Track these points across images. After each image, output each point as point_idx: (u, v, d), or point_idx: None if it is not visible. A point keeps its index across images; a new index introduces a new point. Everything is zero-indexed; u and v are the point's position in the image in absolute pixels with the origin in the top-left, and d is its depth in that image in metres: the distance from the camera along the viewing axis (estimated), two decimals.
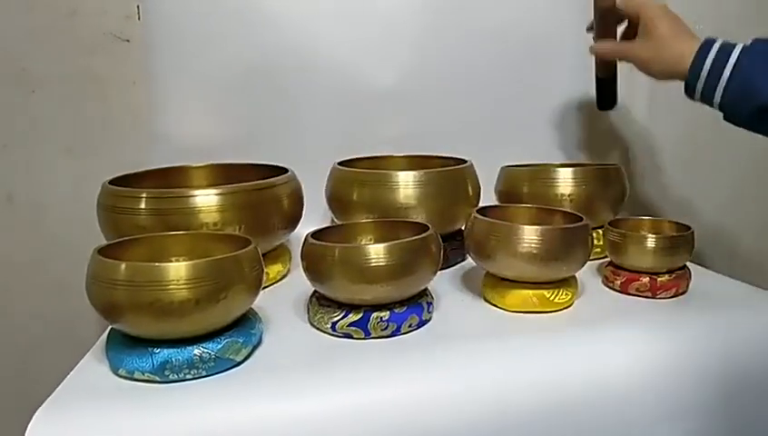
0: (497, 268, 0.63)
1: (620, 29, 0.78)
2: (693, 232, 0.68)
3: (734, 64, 0.61)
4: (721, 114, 0.65)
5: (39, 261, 0.91)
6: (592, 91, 0.87)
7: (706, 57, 0.64)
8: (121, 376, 0.50)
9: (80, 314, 0.83)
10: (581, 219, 0.64)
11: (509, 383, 0.52)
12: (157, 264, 0.47)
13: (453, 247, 0.79)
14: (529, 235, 0.59)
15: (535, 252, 0.59)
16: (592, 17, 0.79)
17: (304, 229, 0.67)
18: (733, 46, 0.63)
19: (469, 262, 0.80)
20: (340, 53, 0.89)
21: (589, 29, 0.81)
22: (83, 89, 0.85)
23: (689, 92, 0.67)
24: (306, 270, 0.58)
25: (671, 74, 0.68)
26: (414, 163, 0.88)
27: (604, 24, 0.77)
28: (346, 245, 0.58)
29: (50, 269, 0.91)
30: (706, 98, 0.65)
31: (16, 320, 0.92)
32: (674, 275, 0.67)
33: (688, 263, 0.70)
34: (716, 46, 0.64)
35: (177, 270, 0.47)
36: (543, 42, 0.78)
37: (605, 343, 0.57)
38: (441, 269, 0.62)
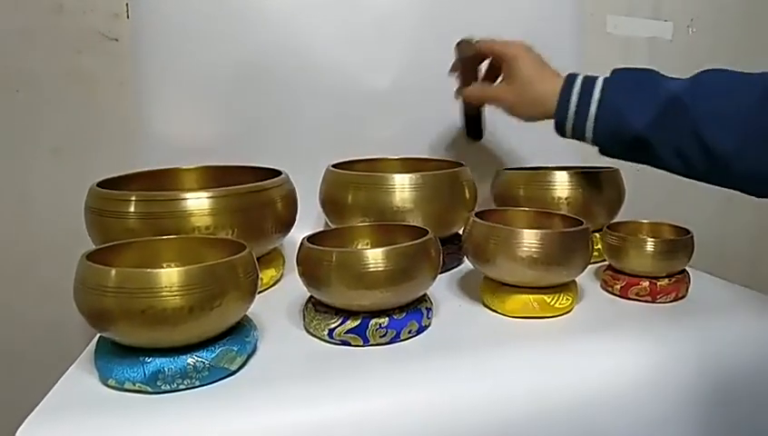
0: (496, 272, 0.62)
1: (483, 66, 0.79)
2: (692, 236, 0.68)
3: (599, 99, 0.62)
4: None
5: (24, 265, 0.88)
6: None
7: (570, 95, 0.64)
8: (110, 386, 0.48)
9: (66, 321, 0.81)
10: (581, 223, 0.63)
11: (511, 390, 0.51)
12: (149, 270, 0.45)
13: (449, 251, 0.78)
14: (529, 239, 0.58)
15: (535, 256, 0.58)
16: (456, 58, 0.80)
17: (297, 233, 0.66)
18: (595, 80, 0.63)
19: (466, 266, 0.79)
20: (334, 53, 0.88)
21: (452, 71, 0.81)
22: (70, 89, 0.83)
23: (560, 130, 0.67)
24: (302, 275, 0.57)
25: (538, 115, 0.69)
26: (409, 165, 0.86)
27: (468, 68, 0.79)
28: (344, 250, 0.56)
29: (35, 273, 0.88)
30: (578, 135, 0.65)
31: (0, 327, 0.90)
32: (673, 279, 0.67)
33: (687, 267, 0.70)
34: (578, 82, 0.64)
35: (169, 276, 0.45)
36: (537, 44, 0.77)
37: (608, 349, 0.56)
38: (438, 274, 0.60)
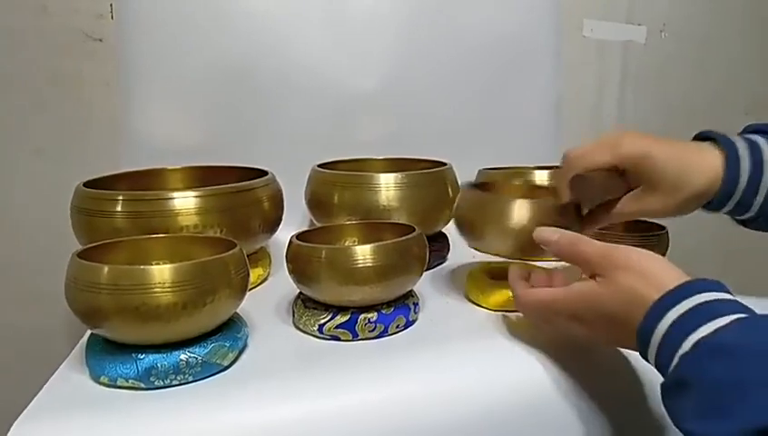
0: (486, 244, 0.62)
1: None
2: (667, 233, 0.70)
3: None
4: None
5: (7, 267, 0.87)
6: (567, 93, 0.88)
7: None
8: (102, 384, 0.48)
9: (52, 323, 0.80)
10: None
11: (496, 381, 0.53)
12: (142, 267, 0.45)
13: (434, 249, 0.79)
14: (520, 209, 0.57)
15: (526, 224, 0.57)
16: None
17: (283, 233, 0.67)
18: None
19: (450, 264, 0.81)
20: (320, 55, 0.89)
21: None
22: (54, 89, 0.82)
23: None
24: (292, 272, 0.58)
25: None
26: (394, 165, 0.88)
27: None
28: (333, 247, 0.57)
29: (19, 275, 0.87)
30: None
31: None
32: None
33: None
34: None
35: (162, 273, 0.45)
36: (520, 46, 0.80)
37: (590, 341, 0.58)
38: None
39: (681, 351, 0.37)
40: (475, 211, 0.62)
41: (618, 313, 0.44)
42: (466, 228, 0.64)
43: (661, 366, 0.40)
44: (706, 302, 0.39)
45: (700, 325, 0.37)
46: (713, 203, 0.54)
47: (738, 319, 0.37)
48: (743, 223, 0.58)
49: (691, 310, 0.39)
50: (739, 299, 0.40)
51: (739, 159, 0.52)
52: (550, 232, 0.52)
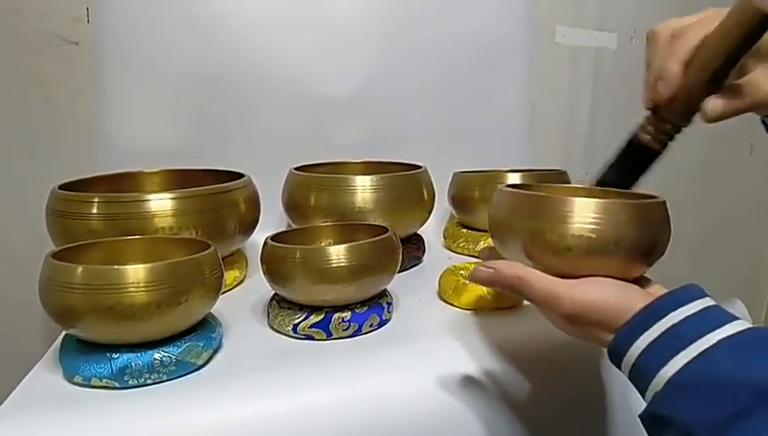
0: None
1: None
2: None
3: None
4: None
5: None
6: (540, 98, 0.90)
7: None
8: (76, 383, 0.48)
9: (27, 325, 0.79)
10: None
11: (466, 377, 0.54)
12: (116, 267, 0.46)
13: (409, 250, 0.80)
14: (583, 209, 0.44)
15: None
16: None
17: (260, 235, 0.67)
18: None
19: (425, 264, 0.82)
20: (295, 58, 0.90)
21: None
22: (29, 92, 0.82)
23: None
24: (266, 273, 0.59)
25: None
26: (370, 168, 0.89)
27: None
28: (307, 247, 0.58)
29: None
30: None
31: None
32: None
33: None
34: None
35: (136, 273, 0.46)
36: (494, 51, 0.81)
37: (562, 337, 0.59)
38: (398, 272, 0.63)
39: (654, 388, 0.38)
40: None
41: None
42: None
43: (638, 388, 0.41)
44: (673, 327, 0.38)
45: (670, 357, 0.37)
46: None
47: (703, 352, 0.36)
48: None
49: (660, 337, 0.39)
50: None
51: None
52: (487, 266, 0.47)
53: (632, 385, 0.41)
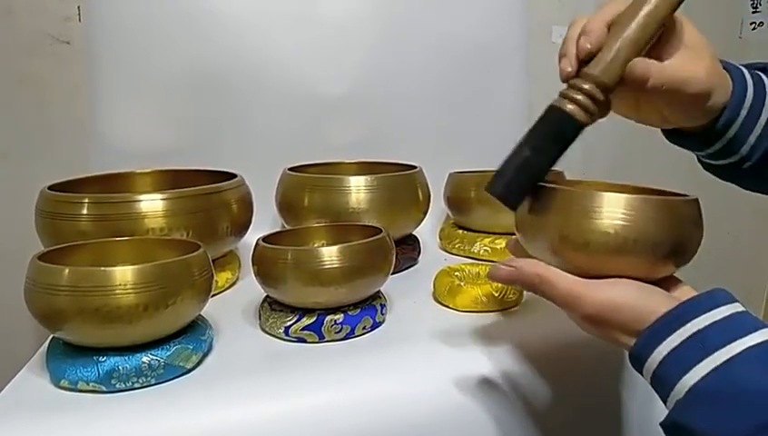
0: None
1: None
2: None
3: None
4: None
5: None
6: (536, 98, 0.90)
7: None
8: (63, 387, 0.47)
9: (16, 328, 0.78)
10: None
11: (461, 381, 0.53)
12: (102, 269, 0.45)
13: (404, 252, 0.79)
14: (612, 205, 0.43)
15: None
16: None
17: (253, 236, 0.66)
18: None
19: (421, 265, 0.82)
20: (290, 58, 0.89)
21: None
22: (20, 92, 0.81)
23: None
24: (258, 275, 0.58)
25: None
26: (365, 169, 0.88)
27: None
28: (299, 248, 0.57)
29: None
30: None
31: None
32: None
33: None
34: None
35: (123, 274, 0.45)
36: (490, 51, 0.81)
37: (555, 339, 0.59)
38: (392, 273, 0.62)
39: (675, 396, 0.37)
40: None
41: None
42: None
43: (659, 394, 0.40)
44: (698, 333, 0.37)
45: (693, 365, 0.37)
46: (720, 118, 0.47)
47: (727, 361, 0.36)
48: (723, 171, 0.53)
49: (683, 343, 0.38)
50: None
51: (745, 78, 0.47)
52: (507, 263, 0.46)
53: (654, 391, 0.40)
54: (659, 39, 0.45)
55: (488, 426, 0.53)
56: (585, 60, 0.44)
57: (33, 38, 0.80)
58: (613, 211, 0.41)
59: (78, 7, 0.81)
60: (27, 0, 0.79)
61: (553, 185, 0.45)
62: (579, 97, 0.44)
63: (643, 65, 0.43)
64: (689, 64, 0.45)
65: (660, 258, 0.42)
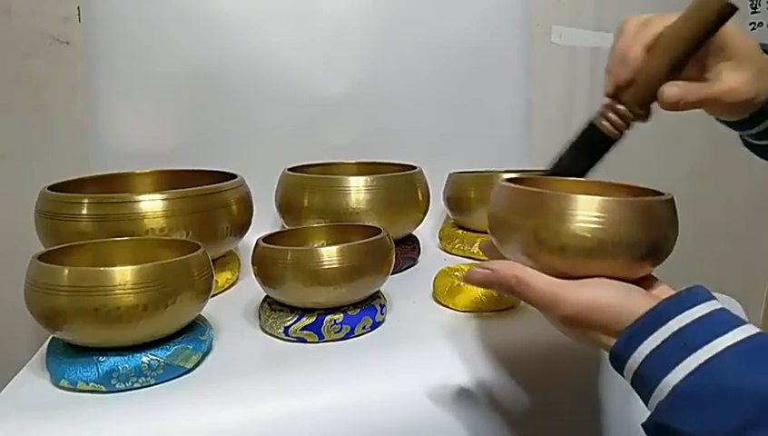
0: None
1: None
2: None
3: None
4: None
5: None
6: (536, 98, 0.90)
7: None
8: (63, 387, 0.47)
9: (15, 328, 0.78)
10: None
11: (461, 381, 0.53)
12: (102, 269, 0.45)
13: (404, 252, 0.80)
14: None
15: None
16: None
17: (253, 237, 0.66)
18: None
19: (421, 265, 0.82)
20: (290, 58, 0.89)
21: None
22: (19, 92, 0.81)
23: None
24: (257, 275, 0.58)
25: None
26: (365, 169, 0.88)
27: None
28: (298, 248, 0.57)
29: None
30: None
31: None
32: None
33: None
34: None
35: (123, 274, 0.45)
36: (490, 51, 0.81)
37: (556, 340, 0.59)
38: (392, 273, 0.62)
39: (658, 396, 0.37)
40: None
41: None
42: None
43: (640, 395, 0.40)
44: (679, 331, 0.37)
45: (675, 364, 0.36)
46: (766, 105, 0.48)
47: (708, 360, 0.35)
48: (765, 150, 0.54)
49: (665, 342, 0.37)
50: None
51: None
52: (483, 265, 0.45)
53: (634, 391, 0.40)
54: (705, 49, 0.46)
55: (488, 426, 0.53)
56: (621, 85, 0.49)
57: (32, 38, 0.80)
58: (588, 214, 0.41)
59: (78, 7, 0.81)
60: (27, 0, 0.79)
61: (527, 188, 0.45)
62: (612, 116, 0.50)
63: (672, 92, 0.46)
64: (730, 76, 0.46)
65: (637, 259, 0.42)
